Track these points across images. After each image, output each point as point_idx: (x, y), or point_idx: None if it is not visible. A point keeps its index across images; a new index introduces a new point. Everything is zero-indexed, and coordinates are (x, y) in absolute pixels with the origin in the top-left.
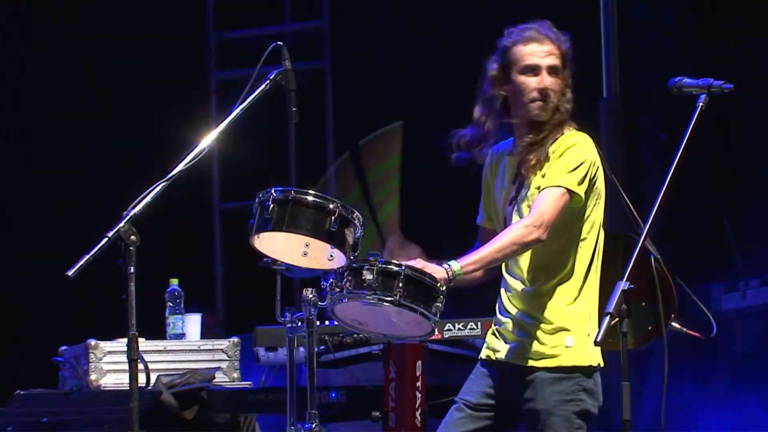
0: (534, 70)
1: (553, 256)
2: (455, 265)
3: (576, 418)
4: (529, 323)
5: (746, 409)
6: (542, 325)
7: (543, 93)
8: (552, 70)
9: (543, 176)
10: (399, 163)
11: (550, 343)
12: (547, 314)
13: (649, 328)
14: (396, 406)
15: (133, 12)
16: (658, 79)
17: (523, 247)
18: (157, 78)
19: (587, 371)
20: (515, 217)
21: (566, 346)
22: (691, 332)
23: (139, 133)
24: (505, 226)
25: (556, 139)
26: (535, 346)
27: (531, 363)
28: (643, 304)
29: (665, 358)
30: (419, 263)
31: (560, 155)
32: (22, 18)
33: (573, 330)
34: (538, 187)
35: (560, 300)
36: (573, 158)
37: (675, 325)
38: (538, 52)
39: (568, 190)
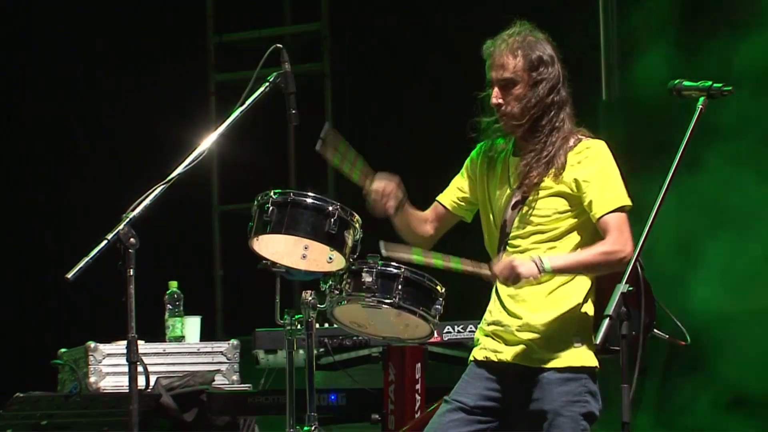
0: (491, 84)
1: None
2: (546, 262)
3: (582, 420)
4: (537, 324)
5: (746, 413)
6: (551, 326)
7: (496, 108)
8: (502, 84)
9: (558, 182)
10: (346, 144)
11: (560, 344)
12: (556, 315)
13: (633, 333)
14: (395, 409)
15: (133, 14)
16: (657, 81)
17: (616, 264)
18: (156, 80)
19: (593, 373)
20: (518, 222)
21: (575, 347)
22: (673, 339)
23: (139, 135)
24: (504, 229)
25: (571, 147)
26: (544, 347)
27: (539, 364)
28: (623, 309)
29: (637, 363)
30: (508, 259)
31: (598, 173)
32: (23, 19)
33: (581, 331)
34: (558, 193)
35: (569, 301)
36: (612, 173)
37: (657, 332)
38: (491, 66)
39: (626, 206)
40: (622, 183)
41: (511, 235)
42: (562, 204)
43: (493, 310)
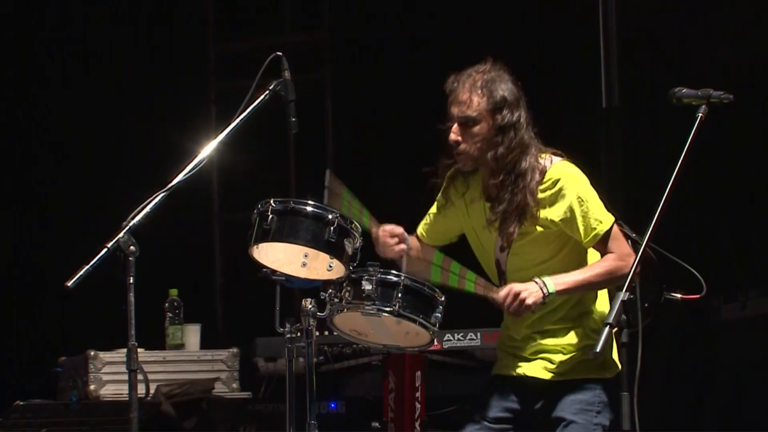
0: (450, 120)
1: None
2: (550, 285)
3: (594, 428)
4: (552, 338)
5: (746, 420)
6: (565, 340)
7: (454, 144)
8: (462, 120)
9: (535, 224)
10: (349, 193)
11: (574, 356)
12: (570, 329)
13: (646, 305)
14: (395, 417)
15: (133, 22)
16: (658, 89)
17: (621, 279)
18: (157, 88)
19: (607, 383)
20: (510, 264)
21: (589, 358)
22: (687, 296)
23: (139, 143)
24: (500, 270)
25: (539, 181)
26: (559, 360)
27: (555, 376)
28: (623, 317)
29: (639, 352)
30: (511, 287)
31: (573, 206)
32: (23, 26)
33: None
34: (538, 235)
35: (581, 314)
36: (587, 199)
37: (672, 294)
38: (453, 101)
39: (612, 224)
40: (600, 201)
41: (508, 273)
42: (543, 238)
43: (509, 327)
